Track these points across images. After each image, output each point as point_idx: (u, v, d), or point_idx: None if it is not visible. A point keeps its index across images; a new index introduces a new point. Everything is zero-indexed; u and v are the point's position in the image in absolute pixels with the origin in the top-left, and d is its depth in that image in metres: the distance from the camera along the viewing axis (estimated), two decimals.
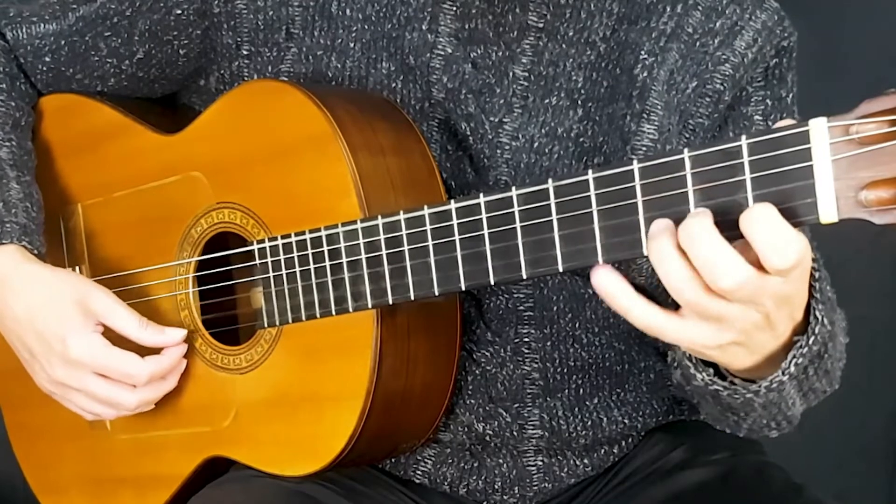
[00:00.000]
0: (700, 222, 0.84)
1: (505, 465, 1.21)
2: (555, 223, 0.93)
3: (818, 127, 0.81)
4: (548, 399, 1.20)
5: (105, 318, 1.19)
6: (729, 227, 0.84)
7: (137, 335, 1.19)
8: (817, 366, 0.99)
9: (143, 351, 1.19)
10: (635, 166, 0.89)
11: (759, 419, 1.05)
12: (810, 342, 0.95)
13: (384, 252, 1.05)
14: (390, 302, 1.05)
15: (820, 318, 0.95)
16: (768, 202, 0.82)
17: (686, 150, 0.86)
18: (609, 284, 0.88)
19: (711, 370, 0.99)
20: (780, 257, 0.82)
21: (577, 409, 1.20)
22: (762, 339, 0.92)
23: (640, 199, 0.89)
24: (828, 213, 0.82)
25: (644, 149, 1.15)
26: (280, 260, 1.13)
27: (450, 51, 1.17)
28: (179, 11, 1.21)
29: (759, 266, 0.84)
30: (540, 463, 1.22)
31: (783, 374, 0.96)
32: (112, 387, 1.19)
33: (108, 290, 1.21)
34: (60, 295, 1.19)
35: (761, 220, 0.82)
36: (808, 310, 0.95)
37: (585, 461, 1.23)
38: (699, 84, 1.17)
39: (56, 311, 1.19)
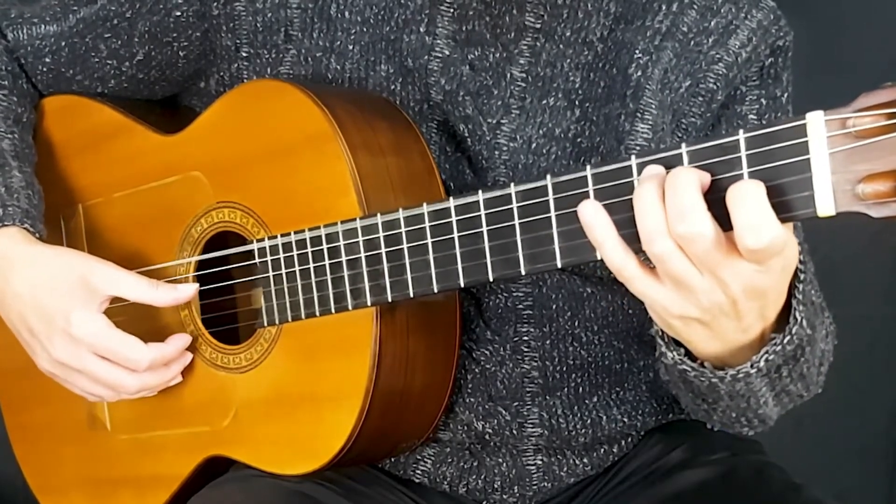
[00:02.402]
0: (689, 172, 0.84)
1: (504, 465, 1.21)
2: (553, 219, 0.94)
3: (815, 120, 0.82)
4: (547, 397, 1.20)
5: (112, 290, 1.18)
6: (723, 222, 0.84)
7: (151, 296, 1.18)
8: (792, 367, 0.99)
9: (146, 339, 1.19)
10: (633, 162, 0.89)
11: (728, 410, 1.05)
12: (785, 342, 0.95)
13: (383, 250, 1.05)
14: (389, 300, 1.06)
15: (799, 319, 0.94)
16: (761, 183, 0.82)
17: (684, 145, 0.87)
18: (591, 214, 0.88)
19: (682, 350, 0.99)
20: (753, 236, 0.82)
21: (576, 407, 1.20)
22: (726, 326, 0.91)
23: None
24: (825, 207, 0.82)
25: (638, 148, 1.15)
26: (280, 259, 1.13)
27: (447, 53, 1.18)
28: (179, 13, 1.22)
29: (734, 245, 0.84)
30: (539, 462, 1.22)
31: (752, 366, 0.96)
32: (113, 369, 1.18)
33: (111, 263, 1.20)
34: (64, 273, 1.18)
35: (747, 196, 0.82)
36: (788, 310, 0.95)
37: (585, 460, 1.23)
38: (692, 83, 1.17)
39: (60, 290, 1.18)
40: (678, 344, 0.99)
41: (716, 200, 0.84)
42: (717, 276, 0.86)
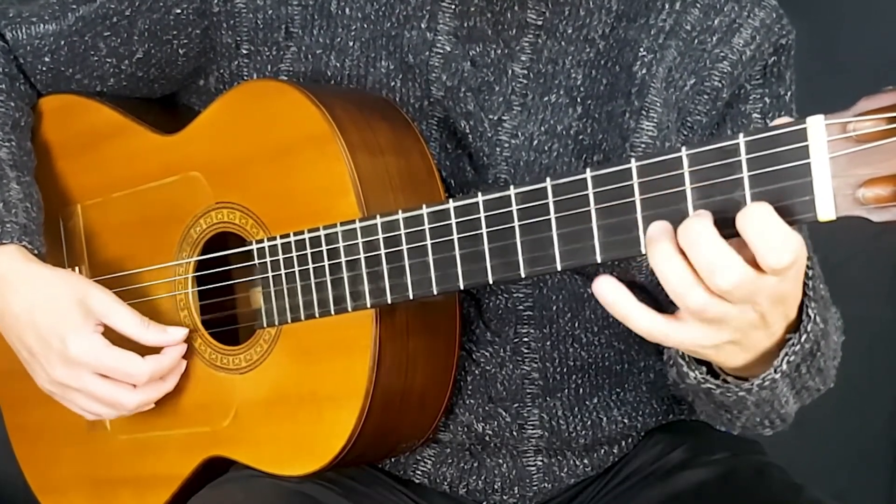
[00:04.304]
0: (701, 222, 0.84)
1: (505, 465, 1.21)
2: (553, 222, 0.93)
3: (816, 124, 0.81)
4: (547, 399, 1.19)
5: (105, 317, 1.19)
6: (726, 225, 0.83)
7: (140, 335, 1.19)
8: (810, 364, 0.99)
9: (143, 351, 1.19)
10: (633, 165, 0.88)
11: (752, 417, 1.05)
12: (802, 340, 0.95)
13: (382, 251, 1.05)
14: (389, 301, 1.05)
15: (813, 316, 0.94)
16: (765, 201, 0.82)
17: (684, 149, 0.86)
18: (609, 293, 0.88)
19: (704, 368, 0.99)
20: (775, 256, 0.82)
21: (576, 408, 1.20)
22: (757, 338, 0.92)
23: (637, 198, 0.89)
24: (825, 211, 0.82)
25: (643, 146, 1.15)
26: (279, 260, 1.13)
27: (449, 49, 1.17)
28: (179, 11, 1.21)
29: (755, 264, 0.84)
30: (540, 463, 1.21)
31: (775, 371, 0.96)
32: (112, 386, 1.19)
33: (109, 291, 1.21)
34: (61, 294, 1.19)
35: (758, 219, 0.82)
36: (800, 308, 0.95)
37: (585, 461, 1.23)
38: (697, 81, 1.17)
39: (56, 310, 1.19)
40: (699, 362, 0.99)
41: (714, 203, 0.84)
42: (751, 301, 0.86)
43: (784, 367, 0.95)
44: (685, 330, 0.88)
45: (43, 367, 1.21)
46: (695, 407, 1.13)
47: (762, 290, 0.86)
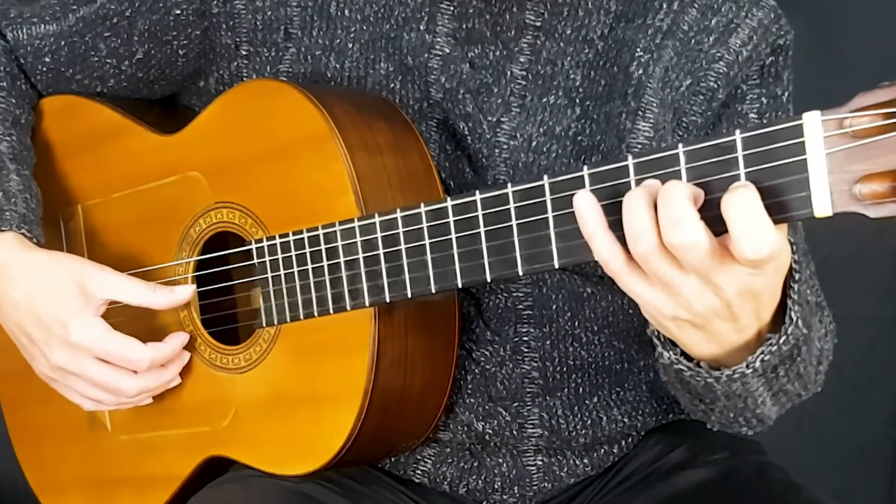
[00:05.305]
0: (684, 184, 0.84)
1: (505, 465, 1.21)
2: (550, 219, 0.93)
3: (812, 120, 0.81)
4: (547, 398, 1.19)
5: (108, 294, 1.18)
6: (720, 221, 0.83)
7: (149, 299, 1.18)
8: (788, 367, 0.99)
9: (145, 339, 1.19)
10: (630, 162, 0.89)
11: (725, 410, 1.05)
12: (781, 342, 0.95)
13: (381, 250, 1.05)
14: (387, 300, 1.06)
15: (794, 318, 0.94)
16: (754, 188, 0.82)
17: (681, 146, 0.87)
18: (584, 204, 0.88)
19: (679, 350, 0.99)
20: (751, 246, 0.82)
21: (576, 407, 1.20)
22: (722, 329, 0.91)
23: None
24: (822, 207, 0.82)
25: (639, 146, 1.15)
26: (278, 259, 1.13)
27: (447, 51, 1.18)
28: (179, 12, 1.22)
29: (728, 253, 0.84)
30: (540, 462, 1.21)
31: (747, 367, 0.95)
32: (113, 372, 1.19)
33: (108, 268, 1.20)
34: (60, 279, 1.19)
35: (742, 206, 0.82)
36: (784, 310, 0.94)
37: (585, 461, 1.23)
38: (693, 82, 1.17)
39: (56, 296, 1.18)
40: (675, 344, 0.98)
41: (712, 202, 0.84)
42: (710, 281, 0.86)
43: (757, 364, 0.95)
44: (640, 281, 0.88)
45: (43, 353, 1.20)
46: (678, 400, 1.13)
47: (726, 276, 0.85)
